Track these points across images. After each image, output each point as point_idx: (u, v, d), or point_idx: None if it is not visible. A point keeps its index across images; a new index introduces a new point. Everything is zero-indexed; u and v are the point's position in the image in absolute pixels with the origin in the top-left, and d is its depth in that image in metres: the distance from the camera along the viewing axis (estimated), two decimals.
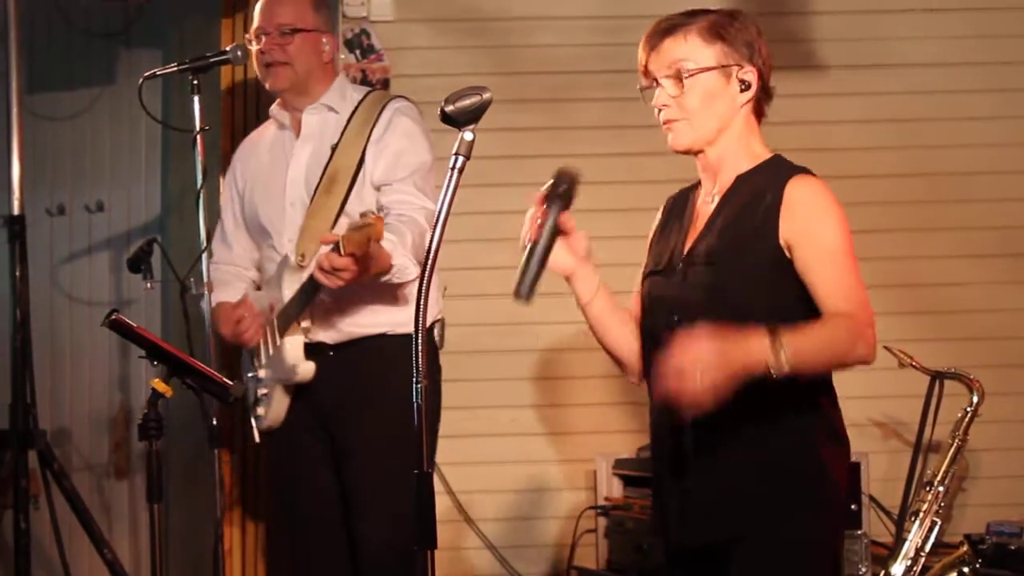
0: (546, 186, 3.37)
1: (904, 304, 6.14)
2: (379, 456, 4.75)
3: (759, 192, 3.39)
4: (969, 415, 5.40)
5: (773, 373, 3.13)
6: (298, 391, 4.89)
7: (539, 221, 3.36)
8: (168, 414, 4.30)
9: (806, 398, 3.34)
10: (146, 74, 5.18)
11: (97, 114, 6.57)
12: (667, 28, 3.45)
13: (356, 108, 4.93)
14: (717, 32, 3.42)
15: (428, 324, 4.72)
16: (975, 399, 5.41)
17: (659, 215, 3.68)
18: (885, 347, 5.38)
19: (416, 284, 4.62)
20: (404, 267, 4.63)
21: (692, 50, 3.41)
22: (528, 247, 3.38)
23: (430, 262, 3.02)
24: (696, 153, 3.50)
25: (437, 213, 3.08)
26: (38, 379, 5.73)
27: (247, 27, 5.99)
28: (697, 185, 3.60)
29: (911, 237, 6.30)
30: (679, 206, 3.61)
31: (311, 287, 4.65)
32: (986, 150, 6.37)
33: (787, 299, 3.31)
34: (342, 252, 4.33)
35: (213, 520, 5.22)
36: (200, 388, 4.18)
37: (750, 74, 3.44)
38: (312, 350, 4.83)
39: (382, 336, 4.83)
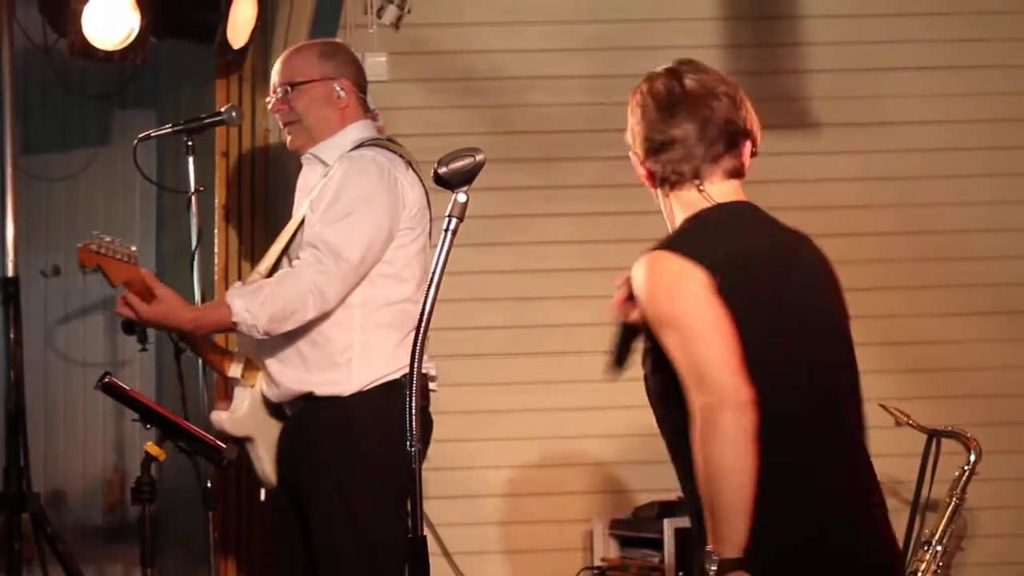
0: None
1: (900, 362, 6.13)
2: (326, 528, 4.62)
3: None
4: (967, 474, 5.38)
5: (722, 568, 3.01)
6: (277, 455, 4.82)
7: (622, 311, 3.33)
8: (162, 476, 4.28)
9: None
10: (141, 135, 5.18)
11: (92, 175, 6.58)
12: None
13: (340, 158, 4.73)
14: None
15: (383, 381, 4.67)
16: (972, 457, 5.39)
17: None
18: (881, 405, 5.37)
19: (355, 344, 4.63)
20: (246, 321, 4.47)
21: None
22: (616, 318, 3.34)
23: (424, 323, 2.98)
24: None
25: (431, 273, 3.01)
26: (32, 441, 5.72)
27: (242, 88, 6.04)
28: None
29: (907, 295, 6.30)
30: None
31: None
32: (981, 208, 6.39)
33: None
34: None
35: None
36: (193, 451, 4.17)
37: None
38: (277, 411, 4.78)
39: (310, 395, 4.64)
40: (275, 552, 4.96)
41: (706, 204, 3.30)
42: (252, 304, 4.46)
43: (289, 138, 4.84)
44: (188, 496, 5.60)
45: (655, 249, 3.23)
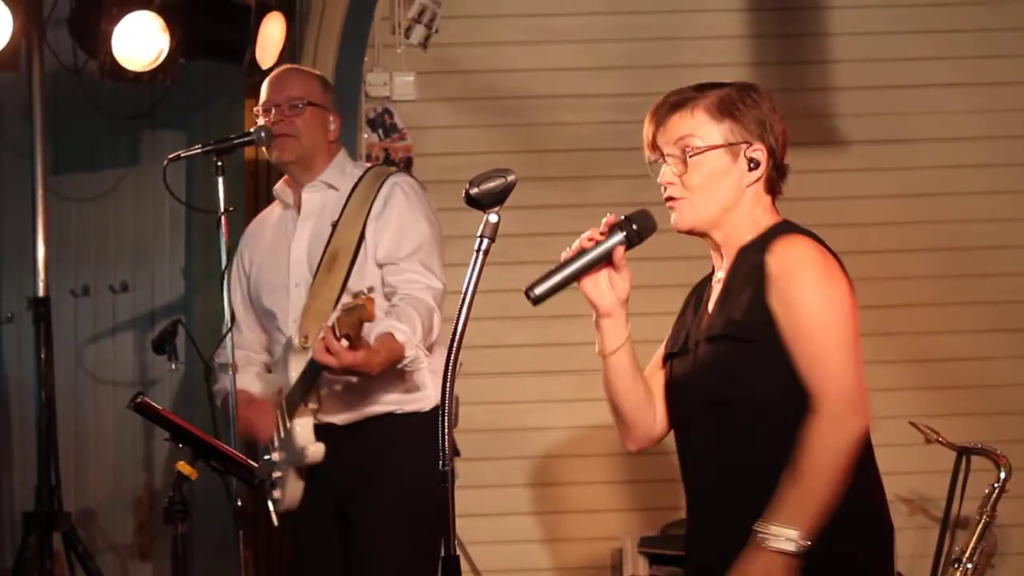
0: (622, 215, 3.25)
1: (929, 379, 6.12)
2: (390, 538, 4.71)
3: (754, 260, 3.26)
4: (997, 491, 5.37)
5: (797, 552, 3.06)
6: (312, 473, 4.85)
7: (592, 240, 3.25)
8: (192, 495, 4.29)
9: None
10: (170, 156, 5.18)
11: (121, 195, 6.60)
12: (675, 103, 3.32)
13: (356, 184, 4.88)
14: (727, 109, 3.27)
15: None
16: (1002, 475, 5.38)
17: (684, 302, 3.56)
18: (911, 423, 5.37)
19: (423, 365, 4.68)
20: (416, 358, 4.61)
21: (699, 126, 3.27)
22: (568, 257, 3.26)
23: (456, 342, 2.99)
24: (701, 235, 3.36)
25: (463, 293, 3.02)
26: (63, 460, 5.75)
27: None
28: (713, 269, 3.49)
29: (937, 312, 6.28)
30: (699, 289, 3.49)
31: (314, 369, 4.63)
32: (1010, 224, 6.38)
33: (788, 371, 3.18)
34: (336, 335, 4.35)
35: None
36: (225, 470, 4.18)
37: (759, 152, 3.28)
38: (322, 431, 4.81)
39: (389, 415, 4.78)
40: (302, 568, 4.98)
41: (778, 217, 3.35)
42: (416, 338, 4.59)
43: (279, 148, 4.93)
44: (218, 515, 5.62)
45: (794, 235, 3.25)
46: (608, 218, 3.26)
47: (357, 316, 4.31)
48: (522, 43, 6.45)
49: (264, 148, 5.20)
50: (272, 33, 5.83)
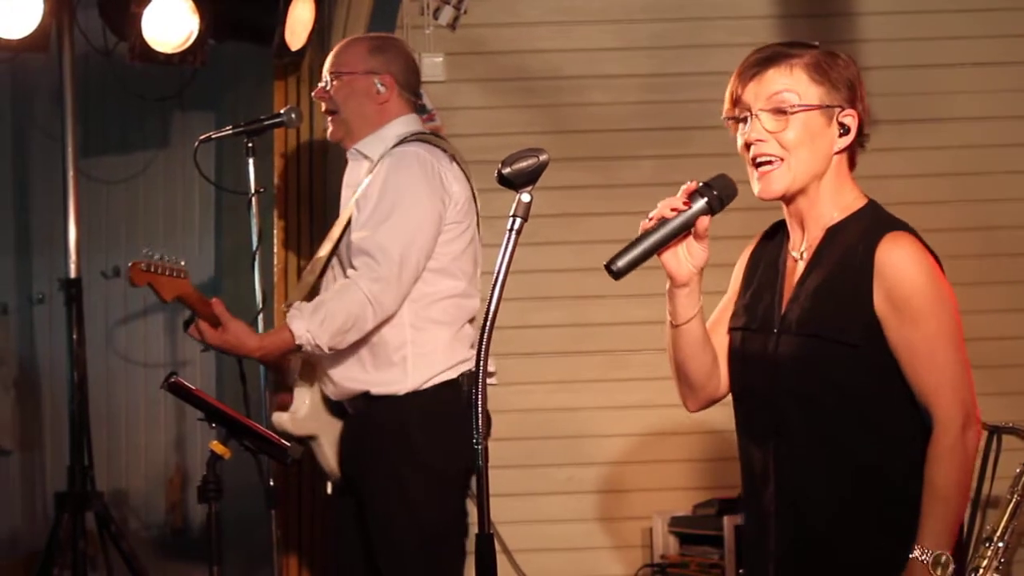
0: (701, 183, 3.14)
1: None
2: (385, 522, 4.67)
3: (850, 250, 3.17)
4: None
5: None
6: (339, 453, 4.86)
7: (674, 209, 3.14)
8: (223, 474, 4.31)
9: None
10: (201, 137, 5.20)
11: (152, 176, 6.62)
12: (770, 57, 3.19)
13: (384, 154, 4.73)
14: (823, 70, 3.17)
15: (440, 380, 4.66)
16: None
17: (741, 266, 3.43)
18: None
19: (408, 344, 4.64)
20: (309, 342, 4.51)
21: (798, 84, 3.16)
22: (648, 227, 3.14)
23: (490, 322, 2.97)
24: (786, 200, 3.25)
25: (496, 273, 2.99)
26: (95, 441, 5.77)
27: (300, 89, 6.06)
28: (780, 231, 3.37)
29: (967, 291, 6.19)
30: (768, 256, 3.37)
31: None
32: None
33: (891, 375, 3.14)
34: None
35: None
36: (258, 450, 4.19)
37: (850, 118, 3.20)
38: (338, 409, 4.81)
39: (366, 395, 4.68)
40: (338, 547, 4.99)
41: (863, 196, 3.29)
42: (313, 324, 4.50)
43: (330, 129, 4.86)
44: (249, 494, 5.64)
45: (901, 232, 3.19)
46: (687, 186, 3.15)
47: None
48: (551, 23, 6.44)
49: (293, 129, 5.22)
50: (301, 14, 5.84)
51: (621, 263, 3.12)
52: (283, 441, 4.16)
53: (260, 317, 5.20)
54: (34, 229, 6.65)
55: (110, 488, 6.20)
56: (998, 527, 5.26)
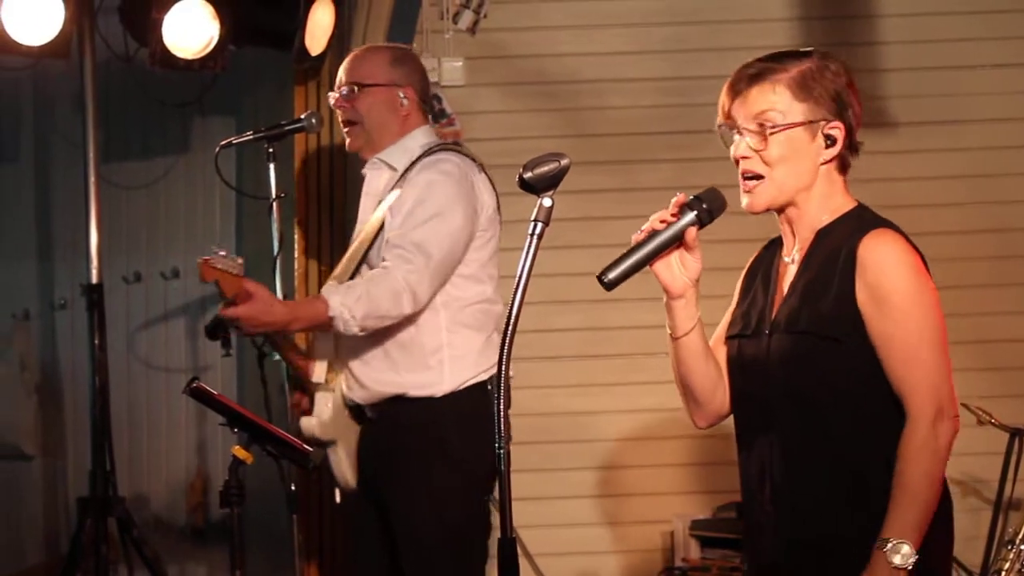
0: (691, 195, 3.20)
1: (981, 361, 6.10)
2: (418, 530, 4.67)
3: (836, 249, 3.22)
4: None
5: (911, 567, 3.07)
6: (358, 454, 4.87)
7: (663, 221, 3.19)
8: (245, 479, 4.32)
9: None
10: (222, 143, 5.21)
11: (172, 182, 6.65)
12: (755, 74, 3.25)
13: (412, 164, 4.75)
14: (808, 85, 3.23)
15: (473, 382, 4.69)
16: None
17: (740, 280, 3.50)
18: (963, 404, 5.31)
19: (444, 346, 4.67)
20: (342, 317, 4.49)
21: (779, 102, 3.22)
22: (640, 239, 3.20)
23: (512, 326, 2.99)
24: (775, 210, 3.31)
25: (518, 277, 3.02)
26: (116, 446, 5.79)
27: (320, 94, 6.08)
28: (779, 241, 3.42)
29: (986, 293, 6.26)
30: (764, 264, 3.43)
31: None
32: None
33: (879, 371, 3.16)
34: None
35: None
36: (280, 455, 4.20)
37: (836, 130, 3.25)
38: (357, 411, 4.83)
39: (402, 398, 4.69)
40: (356, 554, 4.99)
41: (852, 200, 3.32)
42: (348, 300, 4.50)
43: (348, 139, 4.87)
44: (270, 499, 5.67)
45: (884, 229, 3.22)
46: (677, 198, 3.21)
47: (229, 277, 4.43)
48: (569, 27, 6.45)
49: (314, 134, 5.23)
50: (321, 19, 5.85)
51: (612, 275, 3.17)
52: (305, 446, 4.16)
53: None
54: (56, 235, 6.68)
55: (132, 493, 6.21)
56: (1020, 529, 5.25)
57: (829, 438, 3.19)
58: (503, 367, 2.98)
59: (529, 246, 3.04)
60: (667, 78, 6.40)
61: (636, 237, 3.20)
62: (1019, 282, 6.31)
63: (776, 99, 3.23)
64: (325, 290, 4.59)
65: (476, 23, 6.28)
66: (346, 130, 4.87)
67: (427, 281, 4.59)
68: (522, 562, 5.99)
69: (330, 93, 4.93)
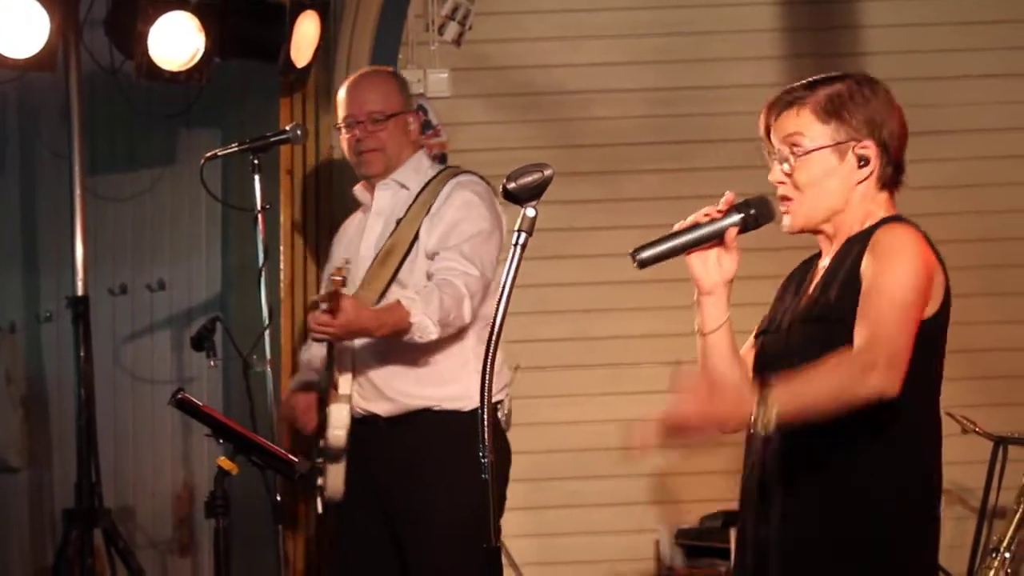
0: (743, 199, 3.25)
1: (966, 370, 6.09)
2: (435, 546, 4.73)
3: (860, 248, 3.24)
4: None
5: (762, 431, 3.05)
6: (355, 465, 4.87)
7: (709, 216, 3.24)
8: (230, 490, 4.32)
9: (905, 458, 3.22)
10: (208, 154, 5.23)
11: (158, 194, 6.63)
12: (785, 101, 3.30)
13: (427, 184, 4.92)
14: (833, 108, 3.26)
15: (497, 398, 4.77)
16: None
17: (782, 282, 3.51)
18: (948, 413, 5.34)
19: (471, 360, 4.70)
20: (423, 325, 4.59)
21: (804, 126, 3.26)
22: (682, 227, 3.25)
23: (495, 337, 3.01)
24: (812, 232, 3.36)
25: (501, 287, 3.05)
26: (102, 458, 5.77)
27: (305, 106, 6.08)
28: (815, 255, 3.45)
29: (974, 302, 6.24)
30: (801, 272, 3.46)
31: (330, 349, 4.80)
32: None
33: None
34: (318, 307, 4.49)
35: None
36: (266, 465, 4.20)
37: (868, 150, 3.26)
38: (367, 424, 4.84)
39: (428, 411, 4.80)
40: (343, 563, 5.01)
41: (893, 211, 3.34)
42: (428, 308, 4.59)
43: (367, 164, 4.96)
44: (256, 510, 5.66)
45: (899, 221, 3.26)
46: (728, 196, 3.26)
47: (333, 287, 4.42)
48: (555, 39, 6.46)
49: (299, 146, 5.24)
50: (307, 31, 5.86)
51: (646, 254, 3.24)
52: (290, 456, 4.18)
53: (267, 333, 5.21)
54: (41, 247, 6.66)
55: (117, 504, 6.20)
56: (1004, 537, 5.28)
57: (838, 435, 3.16)
58: (486, 376, 2.99)
59: (513, 256, 3.07)
60: (653, 89, 6.41)
61: (678, 225, 3.26)
62: (1004, 291, 6.32)
63: (800, 123, 3.27)
64: (407, 302, 4.62)
65: (461, 35, 6.30)
66: (367, 156, 4.95)
67: (480, 292, 4.74)
68: (509, 572, 6.03)
69: (343, 124, 4.97)
